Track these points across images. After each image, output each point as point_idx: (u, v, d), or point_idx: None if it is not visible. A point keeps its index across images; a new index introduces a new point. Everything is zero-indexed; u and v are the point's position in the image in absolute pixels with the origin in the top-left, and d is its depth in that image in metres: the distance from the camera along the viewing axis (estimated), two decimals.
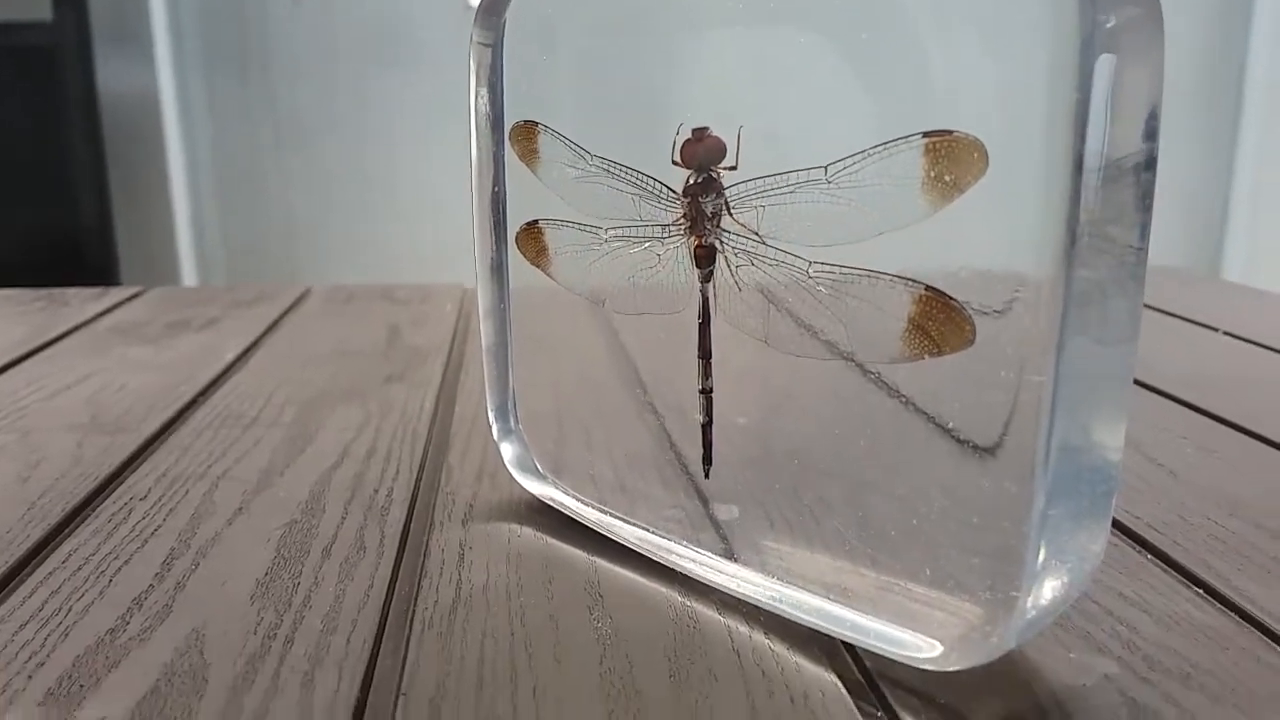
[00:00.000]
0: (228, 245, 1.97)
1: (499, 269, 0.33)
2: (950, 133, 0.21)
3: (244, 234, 1.97)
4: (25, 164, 1.65)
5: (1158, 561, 0.30)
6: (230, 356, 0.53)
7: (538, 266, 0.31)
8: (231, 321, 0.61)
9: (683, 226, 0.27)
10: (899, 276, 0.23)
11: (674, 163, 0.27)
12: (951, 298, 0.22)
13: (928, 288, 0.22)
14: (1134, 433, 0.41)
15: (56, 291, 0.68)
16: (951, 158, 0.21)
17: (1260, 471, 0.38)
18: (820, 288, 0.24)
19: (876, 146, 0.22)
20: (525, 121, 0.30)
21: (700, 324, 0.28)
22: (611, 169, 0.28)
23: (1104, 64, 0.19)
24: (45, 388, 0.47)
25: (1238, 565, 0.30)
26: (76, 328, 0.59)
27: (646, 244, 0.28)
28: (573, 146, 0.29)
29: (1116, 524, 0.33)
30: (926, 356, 0.22)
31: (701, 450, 0.29)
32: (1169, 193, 1.87)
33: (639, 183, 0.28)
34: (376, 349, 0.55)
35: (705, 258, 0.27)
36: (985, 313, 0.21)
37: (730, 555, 0.28)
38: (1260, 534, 0.32)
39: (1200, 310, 0.63)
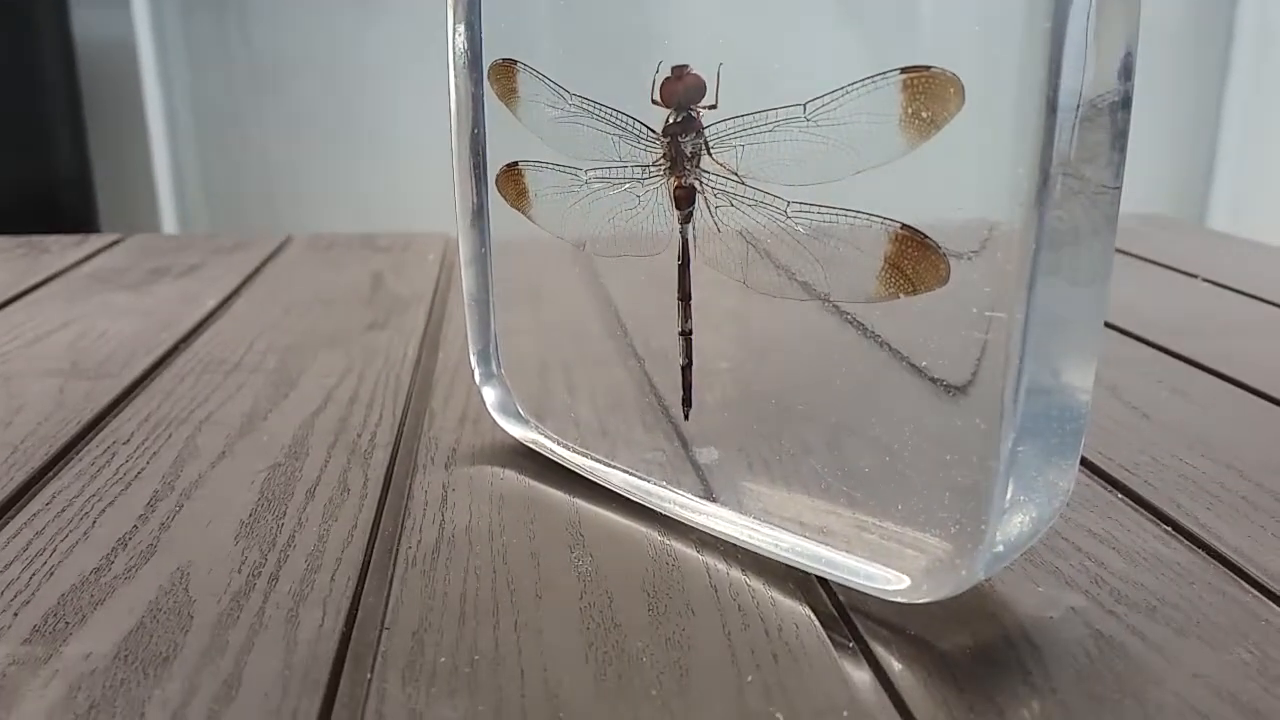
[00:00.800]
0: (207, 191, 1.95)
1: (480, 213, 0.33)
2: (927, 68, 0.21)
3: (224, 179, 1.94)
4: (1, 113, 1.62)
5: (1128, 500, 0.31)
6: (212, 303, 0.52)
7: (518, 209, 0.31)
8: (212, 269, 0.60)
9: (663, 167, 0.27)
10: (875, 215, 0.23)
11: (654, 102, 0.27)
12: (927, 236, 0.22)
13: (903, 226, 0.22)
14: (1109, 376, 0.42)
15: (36, 239, 0.68)
16: (928, 93, 0.21)
17: (1231, 413, 0.38)
18: (798, 227, 0.24)
19: (854, 83, 0.22)
20: (504, 60, 0.30)
21: (680, 266, 0.28)
22: (591, 108, 0.28)
23: None
24: (25, 334, 0.47)
25: (1206, 504, 0.31)
26: (56, 274, 0.58)
27: (626, 185, 0.28)
28: (552, 85, 0.29)
29: (1088, 464, 0.33)
30: (902, 295, 0.23)
31: (681, 393, 0.29)
32: (1155, 139, 1.87)
33: (618, 122, 0.28)
34: (359, 296, 0.55)
35: (685, 199, 0.27)
36: (959, 256, 0.22)
37: (710, 496, 0.29)
38: (1229, 473, 0.33)
39: (1182, 258, 0.64)
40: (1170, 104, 1.86)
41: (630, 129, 0.27)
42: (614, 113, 0.28)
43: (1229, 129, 1.84)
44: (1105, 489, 0.32)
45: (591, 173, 0.29)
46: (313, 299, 0.54)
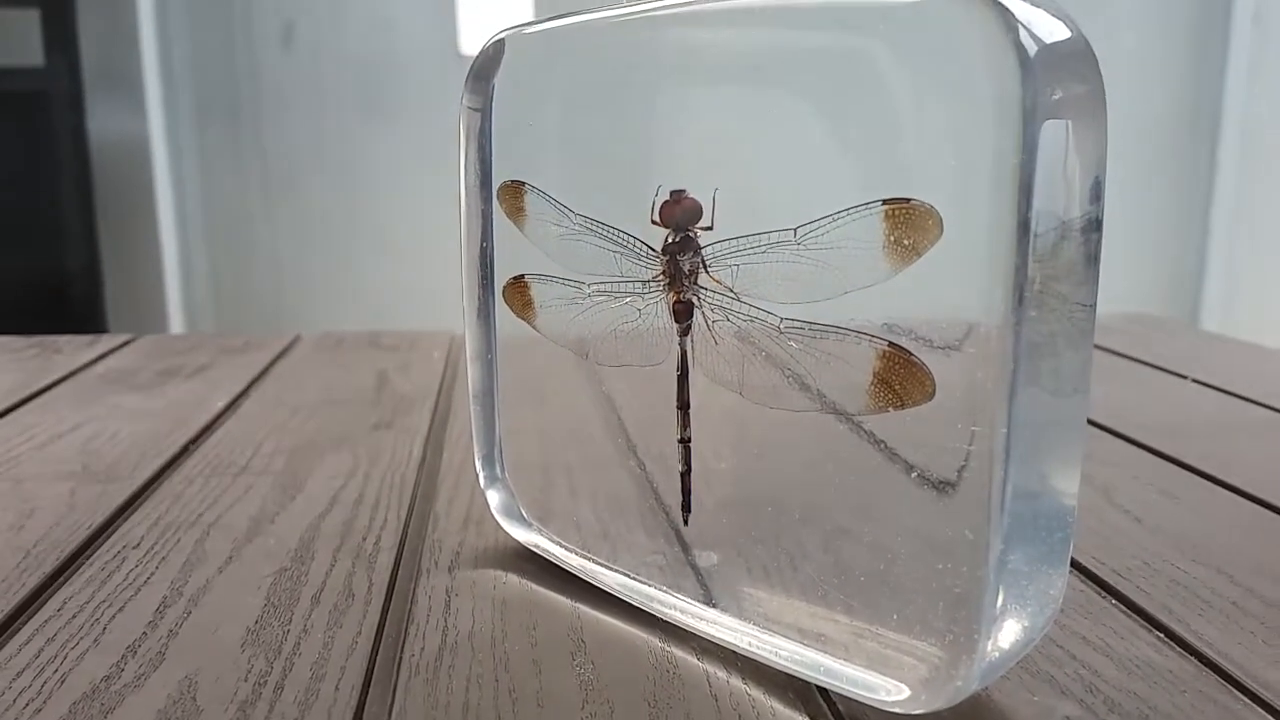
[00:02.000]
0: (216, 290, 1.98)
1: (487, 322, 0.34)
2: (908, 201, 0.22)
3: (232, 279, 1.97)
4: (15, 208, 1.66)
5: (1121, 606, 0.31)
6: (220, 404, 0.53)
7: (524, 319, 0.33)
8: (221, 369, 0.61)
9: (662, 283, 0.28)
10: (863, 333, 0.24)
11: (653, 222, 0.28)
12: (912, 354, 0.23)
13: (890, 344, 0.23)
14: (1101, 479, 0.42)
15: (49, 339, 0.69)
16: (909, 224, 0.22)
17: (1221, 517, 0.39)
18: (791, 342, 0.26)
19: (840, 212, 0.24)
20: (512, 181, 0.32)
21: (679, 376, 0.29)
22: (594, 227, 0.30)
23: (1047, 133, 0.21)
24: (37, 436, 0.48)
25: (1198, 610, 0.31)
26: (68, 375, 0.60)
27: (627, 299, 0.29)
28: (557, 205, 0.31)
29: (1083, 569, 0.34)
30: (890, 409, 0.24)
31: (681, 498, 0.30)
32: (1146, 241, 1.90)
33: (620, 240, 0.29)
34: (365, 396, 0.56)
35: (683, 312, 0.28)
36: (947, 349, 0.23)
37: (710, 601, 0.29)
38: (1220, 578, 0.33)
39: (1171, 358, 0.65)
40: (1159, 201, 1.90)
41: (631, 247, 0.29)
42: (616, 231, 0.29)
43: (1218, 223, 1.87)
44: (1099, 595, 0.32)
45: (594, 286, 0.30)
46: (320, 399, 0.55)
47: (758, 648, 0.27)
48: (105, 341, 0.69)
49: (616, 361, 0.31)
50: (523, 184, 0.31)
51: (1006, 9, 0.20)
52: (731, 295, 0.27)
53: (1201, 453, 0.46)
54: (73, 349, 0.67)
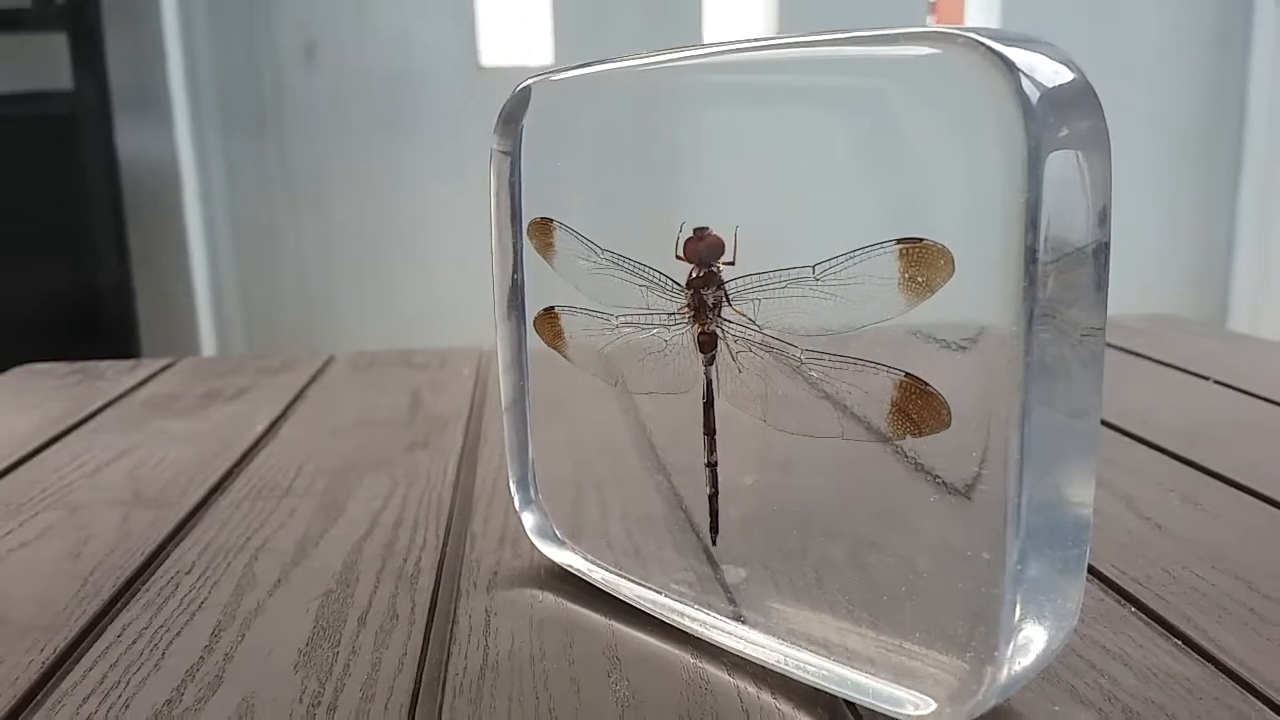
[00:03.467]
0: (244, 302, 2.00)
1: (519, 352, 0.36)
2: (920, 240, 0.23)
3: (260, 292, 2.00)
4: (48, 229, 1.69)
5: (1140, 614, 0.32)
6: (261, 427, 0.55)
7: (554, 349, 0.34)
8: (260, 391, 0.63)
9: (686, 315, 0.30)
10: (882, 364, 0.25)
11: (677, 258, 0.29)
12: (928, 384, 0.24)
13: (907, 374, 0.25)
14: (1123, 485, 0.43)
15: (91, 365, 0.71)
16: (922, 262, 0.23)
17: (1241, 522, 0.39)
18: (812, 372, 0.27)
19: (856, 250, 0.25)
20: (541, 218, 0.33)
21: (705, 404, 0.30)
22: (621, 262, 0.31)
23: (1052, 169, 0.22)
24: (88, 464, 0.50)
25: (1216, 617, 0.32)
26: (112, 402, 0.62)
27: (654, 330, 0.31)
28: (584, 241, 0.32)
29: (1103, 578, 0.35)
30: (909, 437, 0.25)
31: (709, 519, 0.31)
32: (1174, 241, 1.89)
33: (646, 275, 0.30)
34: (399, 416, 0.57)
35: (708, 343, 0.29)
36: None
37: (739, 617, 0.30)
38: (1239, 585, 0.34)
39: (1193, 359, 0.65)
40: (1185, 198, 1.89)
41: (656, 281, 0.30)
42: (642, 266, 0.30)
43: (1245, 230, 1.86)
44: (1119, 603, 0.33)
45: (622, 318, 0.31)
46: (356, 420, 0.57)
47: (785, 663, 0.29)
48: (146, 366, 0.71)
49: (644, 390, 0.32)
50: (551, 220, 0.33)
51: (1008, 59, 0.21)
52: (755, 328, 0.28)
53: (1222, 457, 0.46)
54: (115, 374, 0.69)
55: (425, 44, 1.92)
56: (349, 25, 1.85)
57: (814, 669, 0.28)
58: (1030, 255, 0.22)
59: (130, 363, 0.71)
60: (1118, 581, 0.35)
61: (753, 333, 0.28)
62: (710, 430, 0.30)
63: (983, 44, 0.22)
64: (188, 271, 1.88)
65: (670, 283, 0.30)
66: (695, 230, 0.29)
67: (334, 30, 1.85)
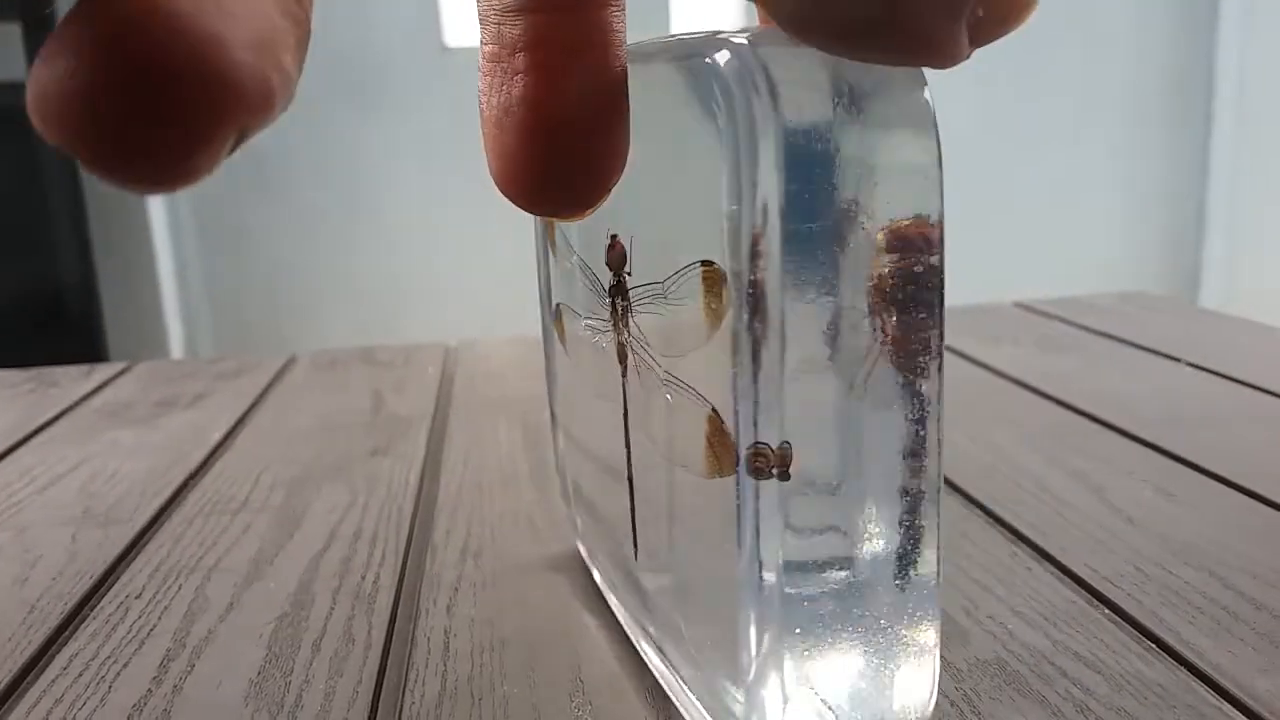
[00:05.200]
0: (212, 294, 1.98)
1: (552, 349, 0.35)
2: (713, 263, 0.21)
3: (228, 281, 1.98)
4: (7, 225, 1.66)
5: (1112, 616, 0.32)
6: (217, 436, 0.54)
7: (562, 347, 0.33)
8: (218, 397, 0.62)
9: (609, 323, 0.28)
10: (699, 393, 0.23)
11: (605, 264, 0.27)
12: (725, 425, 0.21)
13: (713, 409, 0.22)
14: (1094, 475, 0.43)
15: (45, 371, 0.69)
16: (712, 288, 0.21)
17: (1215, 514, 0.39)
18: (667, 395, 0.24)
19: (683, 268, 0.22)
20: None
21: (623, 416, 0.28)
22: (582, 266, 0.29)
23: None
24: (38, 479, 0.49)
25: (1189, 617, 0.31)
26: (66, 411, 0.60)
27: (596, 336, 0.29)
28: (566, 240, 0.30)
29: (1074, 576, 0.34)
30: (717, 476, 0.22)
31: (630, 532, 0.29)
32: (1144, 214, 1.90)
33: (590, 278, 0.29)
34: (361, 419, 0.56)
35: (621, 355, 0.28)
36: None
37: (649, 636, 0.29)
38: (1212, 582, 0.34)
39: (1165, 339, 0.65)
40: (1154, 172, 1.89)
41: (596, 287, 0.28)
42: (589, 269, 0.29)
43: (1215, 204, 1.87)
44: (1090, 604, 0.33)
45: (585, 322, 0.30)
46: (316, 425, 0.55)
47: (676, 688, 0.27)
48: (101, 371, 0.69)
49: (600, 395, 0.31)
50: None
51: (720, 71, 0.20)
52: (643, 340, 0.26)
53: (1195, 443, 0.46)
54: (69, 381, 0.67)
55: (388, 24, 1.89)
56: (313, 8, 1.82)
57: (689, 700, 0.26)
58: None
59: (85, 368, 0.70)
60: (1089, 580, 0.34)
61: (642, 347, 0.26)
62: (626, 444, 0.28)
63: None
64: (152, 264, 1.85)
65: (602, 287, 0.28)
66: (611, 237, 0.27)
67: None
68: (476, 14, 0.17)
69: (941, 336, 0.21)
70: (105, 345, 1.70)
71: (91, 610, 0.35)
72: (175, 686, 0.30)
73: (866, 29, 0.16)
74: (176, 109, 0.12)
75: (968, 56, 0.16)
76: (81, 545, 0.41)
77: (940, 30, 0.15)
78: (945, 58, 0.16)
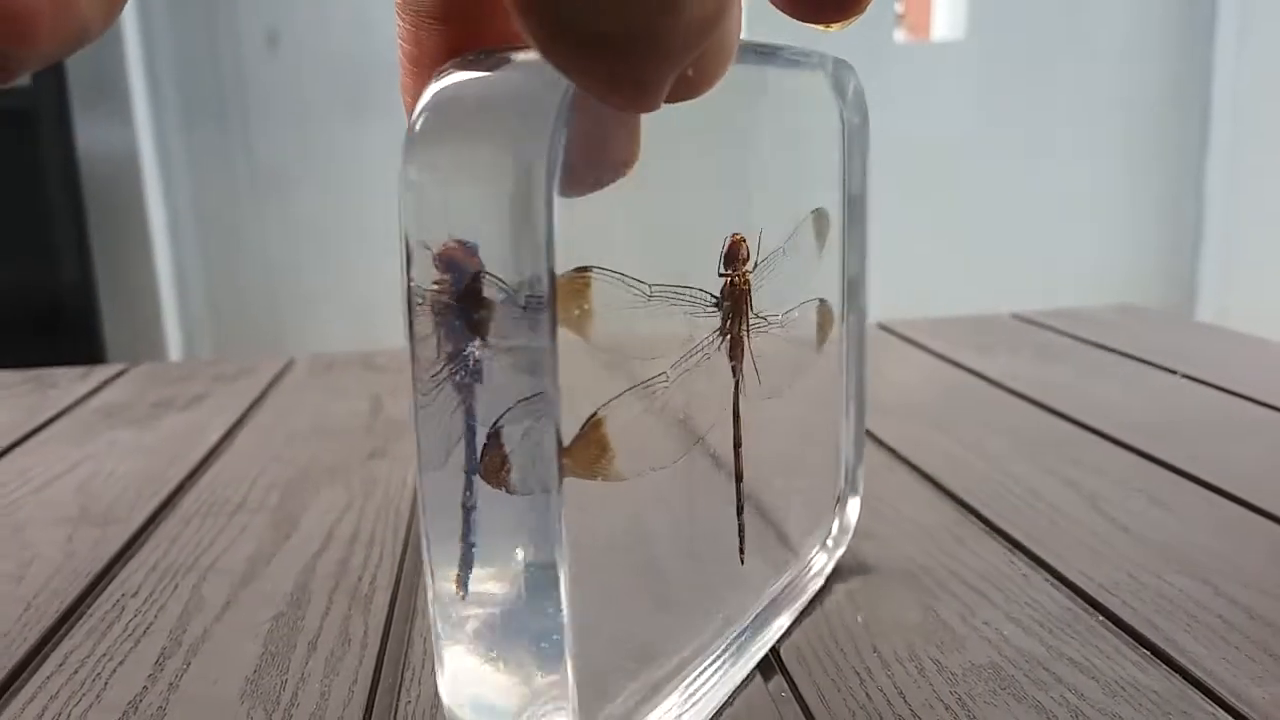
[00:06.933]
0: (210, 295, 1.98)
1: None
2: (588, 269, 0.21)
3: (226, 284, 1.97)
4: (6, 227, 1.66)
5: (1108, 623, 0.32)
6: (215, 437, 0.54)
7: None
8: (216, 398, 0.62)
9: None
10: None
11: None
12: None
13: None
14: (1088, 484, 0.43)
15: (44, 372, 0.69)
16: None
17: (1210, 524, 0.39)
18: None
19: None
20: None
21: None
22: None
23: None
24: (35, 479, 0.49)
25: (1184, 625, 0.32)
26: (64, 411, 0.60)
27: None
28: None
29: (1069, 584, 0.34)
30: None
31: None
32: (1140, 227, 1.90)
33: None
34: (359, 422, 0.56)
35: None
36: None
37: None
38: (1206, 591, 0.34)
39: (1160, 352, 0.65)
40: (1151, 185, 1.89)
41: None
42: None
43: (1213, 203, 1.87)
44: (1086, 611, 0.33)
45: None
46: (313, 427, 0.55)
47: None
48: (99, 373, 0.69)
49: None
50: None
51: None
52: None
53: (1190, 455, 0.46)
54: (67, 382, 0.67)
55: (387, 30, 1.89)
56: (311, 13, 1.82)
57: None
58: None
59: (83, 369, 0.70)
60: (1084, 588, 0.34)
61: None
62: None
63: None
64: (151, 266, 1.85)
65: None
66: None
67: (296, 18, 1.82)
68: None
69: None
70: (103, 346, 1.70)
71: (87, 608, 0.35)
72: (171, 684, 0.30)
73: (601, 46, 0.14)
74: None
75: (656, 109, 0.15)
76: (78, 544, 0.41)
77: (656, 80, 0.15)
78: (642, 106, 0.15)
